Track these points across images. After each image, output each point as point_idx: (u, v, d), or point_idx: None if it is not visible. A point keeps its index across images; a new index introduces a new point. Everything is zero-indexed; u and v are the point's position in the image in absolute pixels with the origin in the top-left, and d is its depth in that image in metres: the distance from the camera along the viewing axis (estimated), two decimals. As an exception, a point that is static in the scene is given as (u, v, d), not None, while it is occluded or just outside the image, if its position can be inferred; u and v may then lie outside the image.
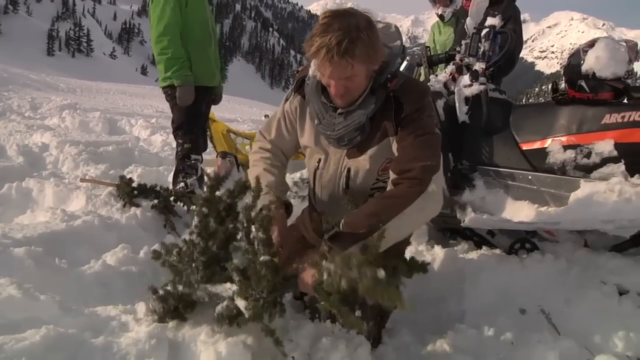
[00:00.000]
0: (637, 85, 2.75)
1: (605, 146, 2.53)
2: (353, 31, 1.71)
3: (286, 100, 2.21)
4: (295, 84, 2.16)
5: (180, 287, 1.87)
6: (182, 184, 3.71)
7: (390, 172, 1.95)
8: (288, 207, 2.18)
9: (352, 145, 2.04)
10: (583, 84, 2.73)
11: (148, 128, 8.21)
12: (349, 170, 2.09)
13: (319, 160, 2.16)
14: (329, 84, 1.89)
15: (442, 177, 1.99)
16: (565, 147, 2.64)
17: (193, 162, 3.76)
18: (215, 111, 4.38)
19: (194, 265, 1.84)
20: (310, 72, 2.03)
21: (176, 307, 1.88)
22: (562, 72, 3.02)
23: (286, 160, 2.31)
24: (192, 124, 3.79)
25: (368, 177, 2.09)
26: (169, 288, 1.91)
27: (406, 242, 2.33)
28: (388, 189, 1.95)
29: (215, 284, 1.84)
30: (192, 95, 3.65)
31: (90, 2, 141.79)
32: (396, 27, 2.08)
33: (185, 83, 3.61)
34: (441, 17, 5.21)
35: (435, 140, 1.96)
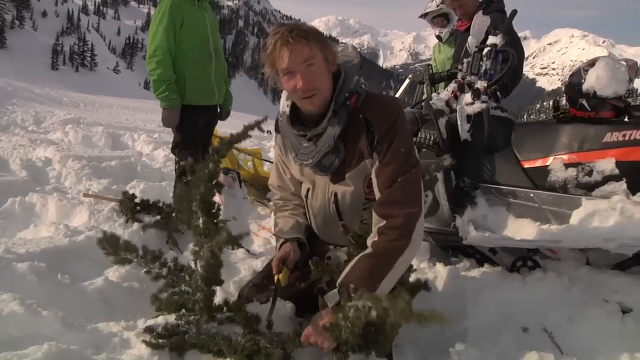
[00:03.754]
0: (638, 104, 2.76)
1: (606, 164, 2.54)
2: (301, 25, 1.88)
3: (275, 143, 2.29)
4: (275, 125, 2.21)
5: (180, 323, 1.87)
6: None
7: (374, 214, 1.95)
8: (301, 243, 2.23)
9: (333, 171, 2.06)
10: (584, 102, 2.74)
11: (150, 143, 8.22)
12: (335, 195, 2.12)
13: (308, 189, 2.22)
14: (293, 85, 1.88)
15: (423, 217, 1.97)
16: (567, 165, 2.65)
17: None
18: (218, 127, 4.40)
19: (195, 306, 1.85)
20: (280, 109, 2.10)
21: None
22: (563, 89, 3.03)
23: (298, 198, 2.34)
24: (188, 142, 3.84)
25: (355, 198, 2.10)
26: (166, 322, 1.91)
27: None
28: (372, 237, 1.92)
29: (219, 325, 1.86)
30: (176, 118, 3.70)
31: (95, 17, 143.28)
32: (353, 47, 2.15)
33: (169, 106, 3.65)
34: (439, 37, 5.30)
35: (417, 179, 1.95)
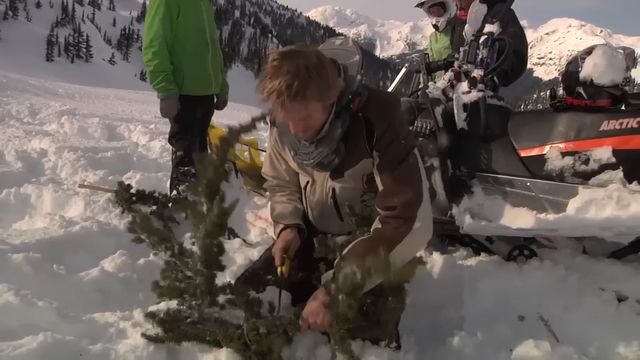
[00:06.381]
0: (635, 92, 2.76)
1: (603, 153, 2.54)
2: (302, 72, 1.66)
3: (270, 134, 2.27)
4: (271, 117, 2.14)
5: (182, 308, 1.87)
6: (174, 192, 3.76)
7: (377, 207, 1.95)
8: (301, 229, 2.22)
9: (333, 168, 2.06)
10: (581, 90, 2.73)
11: (147, 134, 8.18)
12: (333, 190, 2.13)
13: (307, 182, 2.23)
14: (288, 123, 1.89)
15: (429, 206, 1.96)
16: (564, 154, 2.65)
17: (186, 169, 3.79)
18: (214, 117, 4.38)
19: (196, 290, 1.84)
20: None
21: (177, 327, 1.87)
22: (560, 78, 3.02)
23: (294, 185, 2.35)
24: (185, 132, 3.84)
25: (353, 193, 2.12)
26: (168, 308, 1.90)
27: None
28: (375, 224, 1.92)
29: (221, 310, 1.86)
30: (174, 109, 3.69)
31: (90, 8, 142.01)
32: (354, 41, 2.13)
33: (167, 96, 3.64)
34: (435, 26, 5.28)
35: (414, 168, 1.94)
